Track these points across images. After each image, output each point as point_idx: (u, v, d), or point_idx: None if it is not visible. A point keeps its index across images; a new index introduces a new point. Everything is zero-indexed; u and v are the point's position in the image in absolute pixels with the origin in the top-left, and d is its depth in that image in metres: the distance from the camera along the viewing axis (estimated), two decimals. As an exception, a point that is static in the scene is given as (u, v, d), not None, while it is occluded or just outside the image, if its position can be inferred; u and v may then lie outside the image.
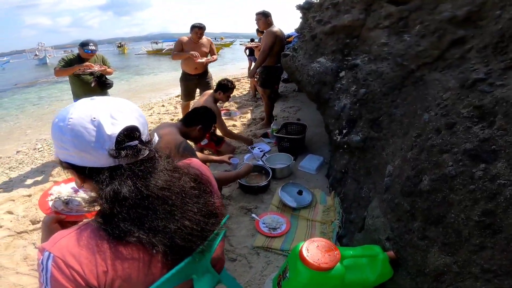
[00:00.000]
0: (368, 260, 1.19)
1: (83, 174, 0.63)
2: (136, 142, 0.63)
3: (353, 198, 2.08)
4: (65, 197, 0.87)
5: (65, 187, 0.93)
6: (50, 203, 0.87)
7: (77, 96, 3.54)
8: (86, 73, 3.37)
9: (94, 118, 0.60)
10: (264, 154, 3.20)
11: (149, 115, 5.55)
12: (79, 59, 3.36)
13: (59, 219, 0.83)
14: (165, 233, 0.63)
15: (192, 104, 3.93)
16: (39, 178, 3.42)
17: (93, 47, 3.37)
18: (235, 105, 5.63)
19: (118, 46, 41.22)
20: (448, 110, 1.21)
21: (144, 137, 0.66)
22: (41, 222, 0.75)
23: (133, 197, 0.61)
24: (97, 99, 0.65)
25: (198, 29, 3.76)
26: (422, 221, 1.11)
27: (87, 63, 3.31)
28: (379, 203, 1.47)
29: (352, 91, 2.21)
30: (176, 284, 0.70)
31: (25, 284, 1.92)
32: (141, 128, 0.65)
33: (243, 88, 7.71)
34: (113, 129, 0.60)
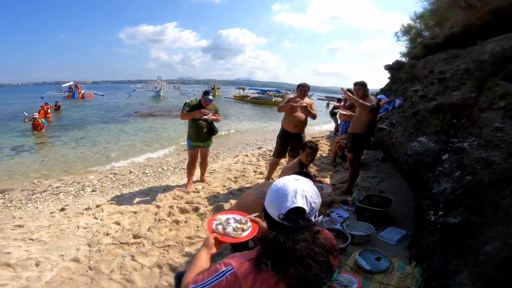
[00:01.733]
0: None
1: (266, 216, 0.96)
2: (302, 220, 0.90)
3: (437, 270, 1.92)
4: (224, 225, 1.14)
5: (225, 217, 1.19)
6: (214, 226, 1.14)
7: (190, 137, 4.09)
8: (201, 119, 3.90)
9: (287, 192, 0.92)
10: (344, 220, 3.12)
11: (235, 163, 5.98)
12: (199, 105, 3.95)
13: (216, 238, 1.10)
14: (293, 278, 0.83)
15: (281, 165, 3.99)
16: (145, 199, 3.92)
17: (211, 98, 3.94)
18: (314, 167, 5.53)
19: (212, 88, 46.39)
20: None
21: (307, 216, 0.92)
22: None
23: (285, 246, 0.84)
24: (301, 181, 0.96)
25: (302, 87, 3.94)
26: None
27: (204, 110, 3.84)
28: (469, 274, 1.48)
29: (455, 176, 2.07)
30: None
31: (68, 248, 2.19)
32: (307, 210, 0.91)
33: (322, 150, 6.96)
34: (290, 204, 0.90)
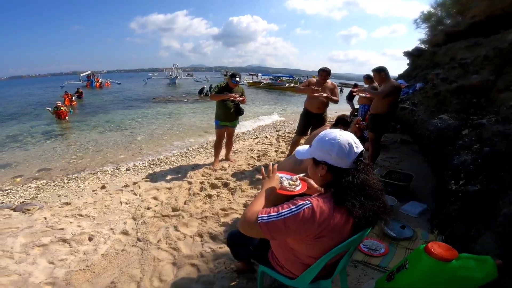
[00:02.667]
0: (477, 263, 1.32)
1: (329, 169, 1.09)
2: (362, 158, 1.09)
3: (460, 236, 2.06)
4: (280, 180, 1.29)
5: (281, 175, 1.33)
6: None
7: (218, 117, 4.24)
8: (229, 100, 4.06)
9: (349, 142, 1.07)
10: None
11: (256, 143, 6.13)
12: (226, 87, 4.10)
13: (275, 191, 1.25)
14: (365, 209, 1.02)
15: (304, 139, 4.22)
16: (176, 176, 4.13)
17: (238, 79, 4.08)
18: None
19: (224, 75, 46.45)
20: None
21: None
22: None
23: (356, 183, 1.03)
24: (345, 132, 1.12)
25: (323, 72, 4.02)
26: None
27: (233, 94, 3.99)
28: (491, 234, 1.63)
29: (475, 148, 2.19)
30: (346, 248, 1.12)
31: (163, 258, 2.23)
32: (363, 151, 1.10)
33: (341, 132, 7.41)
34: (356, 150, 1.07)
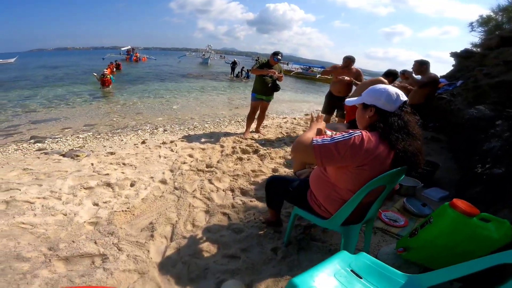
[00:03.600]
0: (495, 224, 1.36)
1: (377, 111, 1.23)
2: (406, 106, 1.24)
3: None
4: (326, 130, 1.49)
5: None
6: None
7: (255, 90, 4.40)
8: (267, 76, 4.20)
9: (396, 92, 1.23)
10: None
11: (284, 122, 6.22)
12: (267, 64, 4.24)
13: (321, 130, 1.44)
14: (406, 144, 1.16)
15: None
16: (210, 140, 4.33)
17: (280, 57, 4.20)
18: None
19: (256, 60, 46.13)
20: None
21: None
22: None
23: (400, 123, 1.18)
24: (389, 85, 1.26)
25: (348, 59, 4.30)
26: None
27: (272, 70, 4.14)
28: (509, 212, 1.65)
29: (505, 136, 2.23)
30: (385, 182, 1.24)
31: (197, 206, 2.38)
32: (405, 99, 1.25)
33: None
34: (402, 98, 1.22)
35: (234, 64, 20.69)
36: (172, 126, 5.38)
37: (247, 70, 19.17)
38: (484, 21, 6.17)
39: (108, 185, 2.67)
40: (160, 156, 3.57)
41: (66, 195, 2.42)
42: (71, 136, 4.80)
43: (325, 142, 1.17)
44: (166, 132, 5.02)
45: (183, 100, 9.07)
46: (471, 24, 6.15)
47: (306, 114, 7.88)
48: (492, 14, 5.82)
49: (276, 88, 4.39)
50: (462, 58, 5.56)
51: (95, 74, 11.65)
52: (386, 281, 0.95)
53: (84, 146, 4.25)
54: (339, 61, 4.49)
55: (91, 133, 4.98)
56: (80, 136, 4.77)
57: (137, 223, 2.09)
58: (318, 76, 27.12)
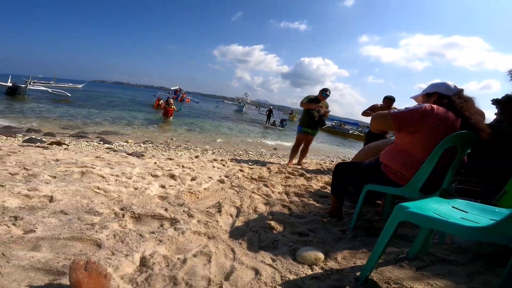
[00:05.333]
0: None
1: (439, 96, 1.50)
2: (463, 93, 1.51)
3: None
4: None
5: None
6: None
7: (302, 124, 4.67)
8: (315, 110, 4.51)
9: (453, 84, 1.53)
10: None
11: (324, 162, 6.40)
12: (315, 99, 4.58)
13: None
14: (470, 113, 1.42)
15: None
16: (256, 164, 4.56)
17: (328, 93, 4.51)
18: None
19: (290, 113, 47.68)
20: None
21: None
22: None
23: (460, 101, 1.44)
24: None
25: (388, 100, 4.31)
26: None
27: (320, 105, 4.45)
28: None
29: None
30: (456, 142, 1.39)
31: (257, 198, 2.42)
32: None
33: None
34: (459, 87, 1.52)
35: (270, 112, 21.84)
36: (219, 151, 5.78)
37: (283, 120, 20.16)
38: None
39: (172, 176, 2.84)
40: (214, 167, 3.77)
41: (136, 177, 2.60)
42: (134, 143, 5.36)
43: (401, 111, 1.46)
44: (214, 154, 5.39)
45: (225, 137, 9.70)
46: (510, 72, 5.95)
47: (344, 159, 8.00)
48: None
49: (322, 122, 4.59)
50: (504, 104, 5.46)
51: (159, 98, 12.70)
52: (490, 213, 1.00)
53: (145, 153, 4.68)
54: (368, 120, 4.51)
55: (150, 145, 5.51)
56: (142, 145, 5.30)
57: (203, 202, 2.19)
58: (350, 131, 27.30)
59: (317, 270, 1.27)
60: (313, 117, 4.54)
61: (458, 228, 0.92)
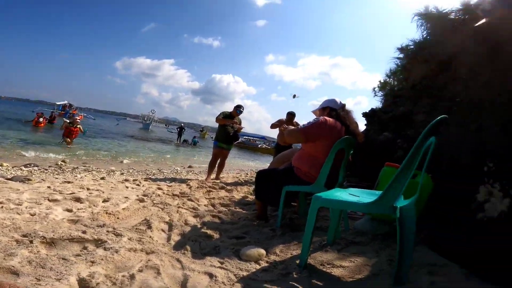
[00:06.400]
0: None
1: (330, 110, 2.08)
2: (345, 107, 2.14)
3: None
4: None
5: None
6: None
7: (217, 139, 4.86)
8: (229, 125, 4.75)
9: (339, 100, 2.16)
10: None
11: (239, 175, 6.67)
12: (230, 115, 4.82)
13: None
14: (349, 122, 2.05)
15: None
16: (173, 181, 4.44)
17: (242, 110, 4.85)
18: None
19: (201, 131, 46.87)
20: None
21: None
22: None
23: (343, 113, 2.06)
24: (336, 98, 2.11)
25: (290, 115, 4.94)
26: None
27: (235, 120, 4.73)
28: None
29: (404, 147, 3.15)
30: (344, 145, 1.86)
31: (185, 212, 2.40)
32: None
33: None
34: (342, 102, 2.15)
35: (181, 129, 21.21)
36: (130, 171, 5.27)
37: (195, 137, 19.99)
38: (383, 86, 6.86)
39: (78, 199, 2.45)
40: (127, 187, 3.44)
41: (28, 203, 2.15)
42: (12, 167, 4.31)
43: (305, 126, 1.96)
44: (123, 174, 4.88)
45: (133, 156, 8.83)
46: (373, 89, 7.21)
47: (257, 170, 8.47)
48: (387, 78, 6.56)
49: (236, 137, 4.90)
50: (369, 116, 6.57)
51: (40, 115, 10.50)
52: (374, 195, 1.37)
53: (31, 177, 3.80)
54: (274, 134, 5.06)
55: (36, 168, 4.54)
56: (24, 168, 4.31)
57: (127, 222, 2.03)
58: (259, 145, 29.25)
59: (264, 264, 1.43)
60: (228, 132, 4.78)
61: (357, 205, 1.30)
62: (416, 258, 1.37)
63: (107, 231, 1.65)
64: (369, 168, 4.45)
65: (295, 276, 1.30)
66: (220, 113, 4.87)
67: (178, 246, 1.62)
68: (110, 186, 3.39)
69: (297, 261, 1.41)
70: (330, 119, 1.95)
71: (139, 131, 28.46)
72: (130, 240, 1.57)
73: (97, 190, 3.04)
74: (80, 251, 1.39)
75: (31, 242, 1.33)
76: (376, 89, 7.29)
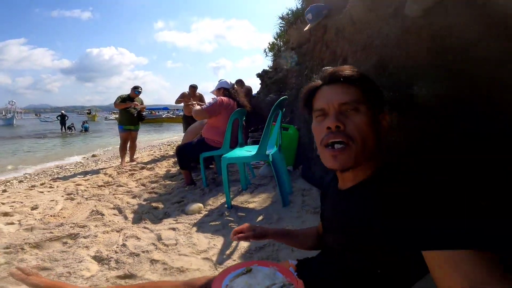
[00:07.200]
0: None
1: (224, 90, 2.85)
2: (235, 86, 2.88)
3: None
4: None
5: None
6: None
7: (121, 123, 4.93)
8: (131, 108, 4.86)
9: (230, 81, 3.02)
10: None
11: (153, 152, 6.89)
12: (129, 98, 4.91)
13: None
14: (238, 97, 2.79)
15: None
16: (88, 174, 4.45)
17: (140, 90, 5.01)
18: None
19: (88, 113, 40.82)
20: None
21: None
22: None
23: (234, 91, 2.73)
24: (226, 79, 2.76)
25: (192, 88, 5.16)
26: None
27: (135, 102, 4.87)
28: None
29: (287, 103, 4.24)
30: (237, 115, 2.75)
31: (122, 198, 2.48)
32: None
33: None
34: (232, 82, 2.99)
35: (63, 117, 18.07)
36: (26, 177, 4.79)
37: (85, 121, 17.60)
38: (271, 47, 7.56)
39: (5, 214, 2.42)
40: (42, 192, 3.33)
41: None
42: None
43: (209, 107, 2.68)
44: (23, 182, 4.44)
45: (16, 161, 7.46)
46: (264, 50, 7.86)
47: (169, 144, 8.50)
48: (275, 41, 7.31)
49: (142, 117, 5.11)
50: (262, 76, 7.35)
51: None
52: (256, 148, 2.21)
53: None
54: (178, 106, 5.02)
55: None
56: None
57: (77, 217, 2.28)
58: (164, 116, 28.07)
59: (205, 212, 2.18)
60: (131, 114, 4.92)
61: (248, 158, 2.14)
62: (296, 187, 2.36)
63: (71, 227, 2.00)
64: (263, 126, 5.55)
65: (226, 214, 2.11)
66: (117, 98, 4.89)
67: (137, 220, 2.17)
68: (23, 195, 3.24)
69: (226, 205, 2.20)
70: (224, 98, 2.70)
71: (1, 130, 22.55)
72: (97, 227, 2.00)
73: (13, 202, 2.93)
74: (64, 244, 1.74)
75: (22, 249, 1.63)
76: (267, 50, 7.99)
